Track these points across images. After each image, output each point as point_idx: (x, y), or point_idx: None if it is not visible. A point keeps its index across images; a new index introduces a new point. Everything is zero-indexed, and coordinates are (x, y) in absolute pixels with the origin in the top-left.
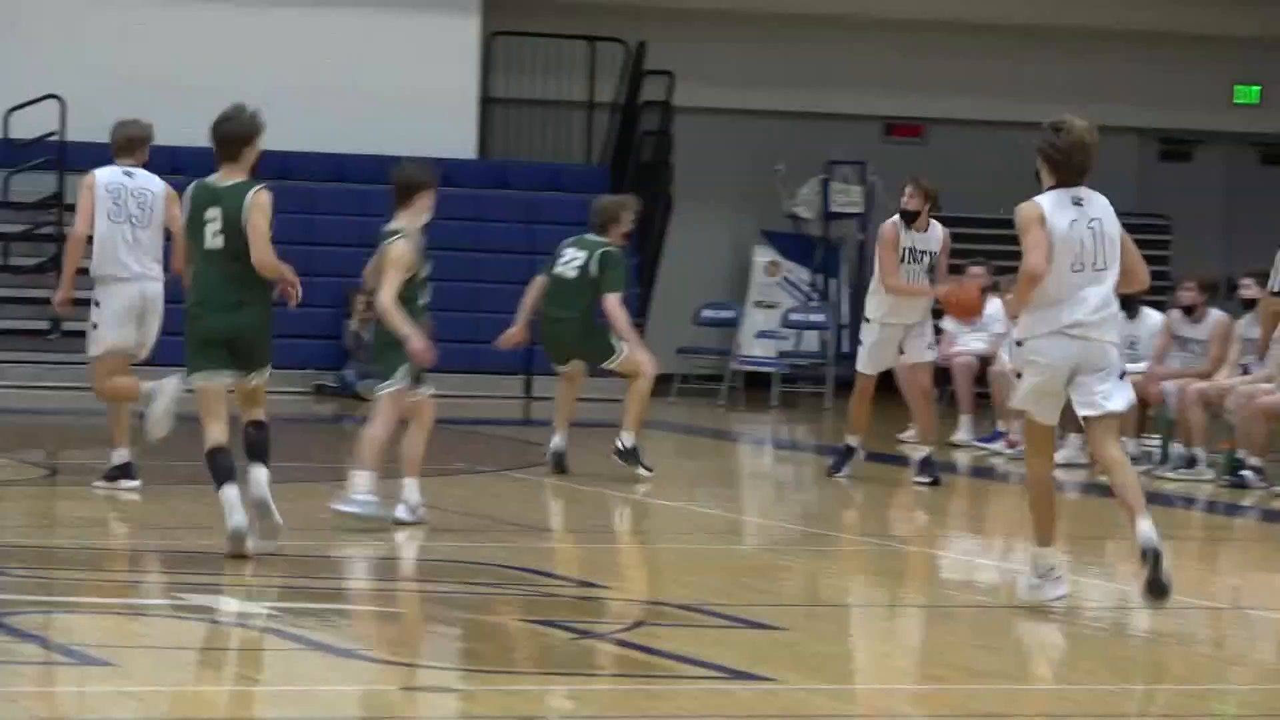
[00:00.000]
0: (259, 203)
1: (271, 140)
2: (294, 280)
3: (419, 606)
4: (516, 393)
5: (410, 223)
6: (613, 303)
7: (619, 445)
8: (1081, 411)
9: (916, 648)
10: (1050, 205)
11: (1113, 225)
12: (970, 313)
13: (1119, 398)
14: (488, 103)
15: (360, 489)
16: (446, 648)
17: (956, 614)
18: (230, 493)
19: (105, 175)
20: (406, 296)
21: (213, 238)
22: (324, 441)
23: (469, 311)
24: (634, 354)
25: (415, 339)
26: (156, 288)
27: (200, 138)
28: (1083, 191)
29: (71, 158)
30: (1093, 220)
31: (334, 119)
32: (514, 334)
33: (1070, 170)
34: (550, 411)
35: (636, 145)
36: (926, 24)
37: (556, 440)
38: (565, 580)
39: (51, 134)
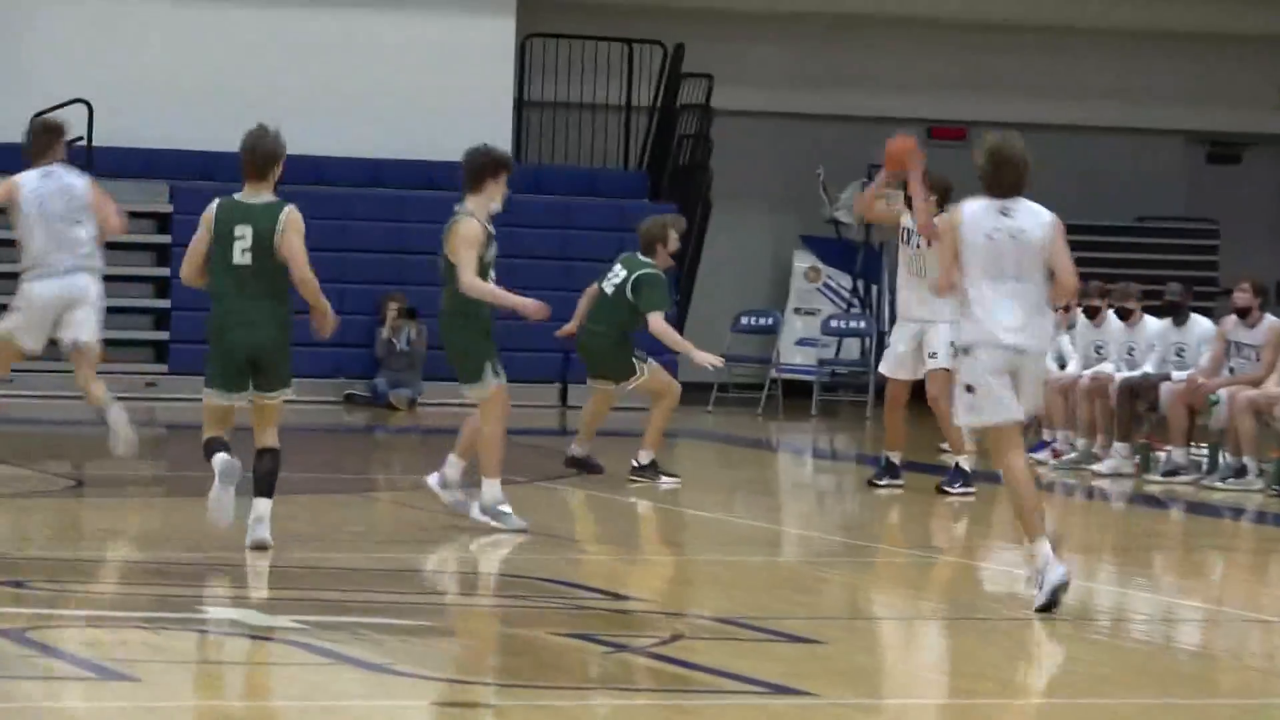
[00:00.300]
0: (294, 222)
1: (303, 145)
2: (327, 309)
3: (451, 620)
4: (552, 401)
5: (478, 207)
6: (655, 321)
7: (634, 462)
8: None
9: (956, 661)
10: (971, 214)
11: (1040, 237)
12: (899, 163)
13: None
14: (523, 106)
15: (494, 499)
16: (479, 662)
17: (998, 627)
18: (220, 458)
19: (27, 181)
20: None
21: (241, 255)
22: (355, 452)
23: (502, 319)
24: (657, 375)
25: (524, 302)
26: (85, 280)
27: (231, 143)
28: (1014, 203)
29: (100, 163)
30: (1018, 231)
31: (367, 123)
32: (567, 329)
33: (999, 185)
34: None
35: (674, 149)
36: (970, 24)
37: (576, 448)
38: (600, 593)
39: (78, 139)
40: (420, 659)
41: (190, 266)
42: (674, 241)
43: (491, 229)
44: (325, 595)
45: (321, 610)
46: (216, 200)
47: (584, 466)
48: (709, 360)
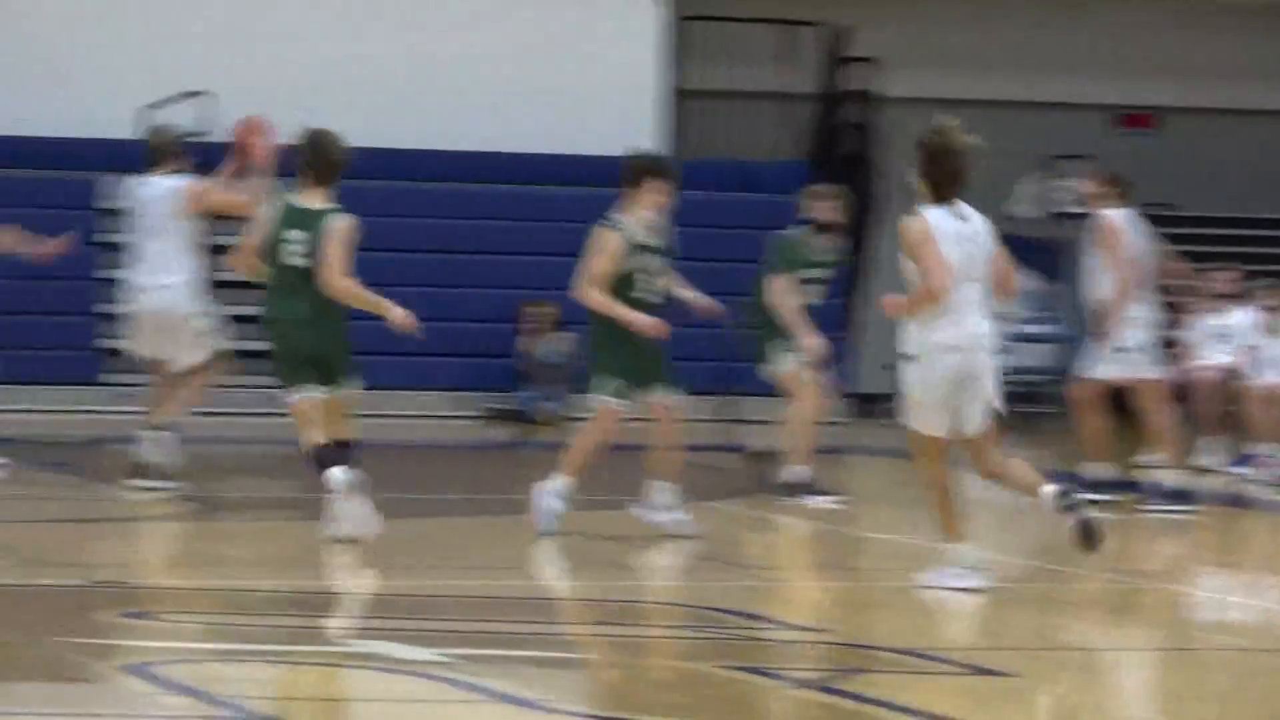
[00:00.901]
0: (336, 229)
1: (433, 140)
2: (387, 308)
3: (608, 652)
4: (717, 415)
5: (628, 214)
6: (772, 286)
7: (781, 481)
8: (967, 431)
9: (1164, 697)
10: (935, 219)
11: (988, 239)
12: (246, 149)
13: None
14: (683, 96)
15: (552, 489)
16: (638, 698)
17: (1206, 658)
18: (336, 474)
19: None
20: (621, 291)
21: (291, 257)
22: (498, 470)
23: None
24: (796, 374)
25: (638, 318)
26: (163, 298)
27: (362, 137)
28: (962, 208)
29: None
30: (974, 235)
31: (502, 116)
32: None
33: (952, 185)
34: (757, 434)
35: (838, 140)
36: (1160, 2)
37: (786, 473)
38: (768, 622)
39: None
40: (576, 695)
41: (241, 259)
42: (825, 209)
43: (643, 238)
44: (470, 626)
45: (467, 642)
46: (277, 202)
47: (806, 489)
48: (813, 345)
